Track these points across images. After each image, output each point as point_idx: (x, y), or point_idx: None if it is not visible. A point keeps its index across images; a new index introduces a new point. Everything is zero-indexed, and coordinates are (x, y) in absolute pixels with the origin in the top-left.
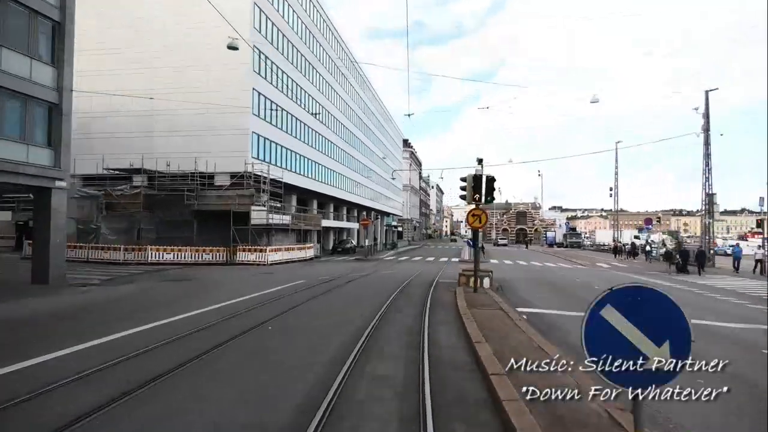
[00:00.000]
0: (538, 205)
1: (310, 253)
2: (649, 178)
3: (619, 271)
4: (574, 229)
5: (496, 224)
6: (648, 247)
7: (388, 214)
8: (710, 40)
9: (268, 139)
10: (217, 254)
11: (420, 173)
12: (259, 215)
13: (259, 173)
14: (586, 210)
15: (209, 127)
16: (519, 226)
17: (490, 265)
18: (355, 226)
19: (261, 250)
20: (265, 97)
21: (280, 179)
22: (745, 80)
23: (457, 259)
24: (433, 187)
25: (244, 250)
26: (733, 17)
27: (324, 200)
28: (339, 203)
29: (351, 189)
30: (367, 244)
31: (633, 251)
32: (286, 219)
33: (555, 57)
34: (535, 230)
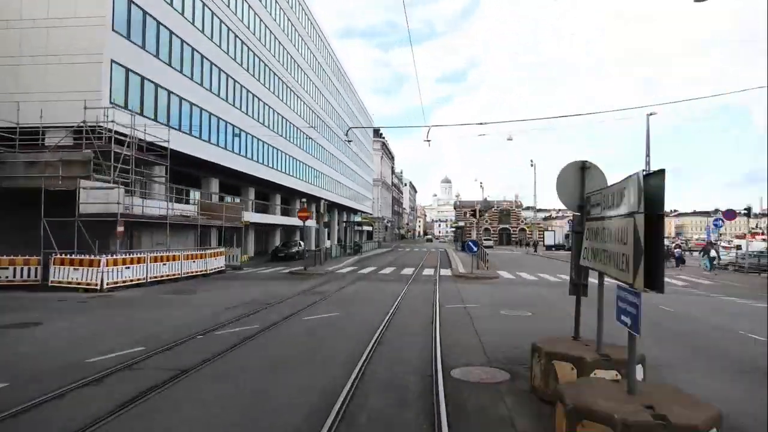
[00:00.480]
0: (519, 203)
1: (216, 262)
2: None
3: (731, 296)
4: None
5: (477, 223)
6: (713, 252)
7: (356, 212)
8: (671, 50)
9: (152, 81)
10: (27, 270)
11: (392, 168)
12: (101, 197)
13: (109, 123)
14: (560, 210)
15: (33, 51)
16: (502, 226)
17: (509, 285)
18: (310, 224)
19: (91, 263)
20: (143, 11)
21: (163, 142)
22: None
23: (448, 272)
24: (406, 185)
25: (63, 262)
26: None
27: (267, 190)
28: (289, 195)
29: (308, 178)
30: (320, 246)
31: (681, 258)
32: (188, 209)
33: (527, 60)
34: (520, 230)
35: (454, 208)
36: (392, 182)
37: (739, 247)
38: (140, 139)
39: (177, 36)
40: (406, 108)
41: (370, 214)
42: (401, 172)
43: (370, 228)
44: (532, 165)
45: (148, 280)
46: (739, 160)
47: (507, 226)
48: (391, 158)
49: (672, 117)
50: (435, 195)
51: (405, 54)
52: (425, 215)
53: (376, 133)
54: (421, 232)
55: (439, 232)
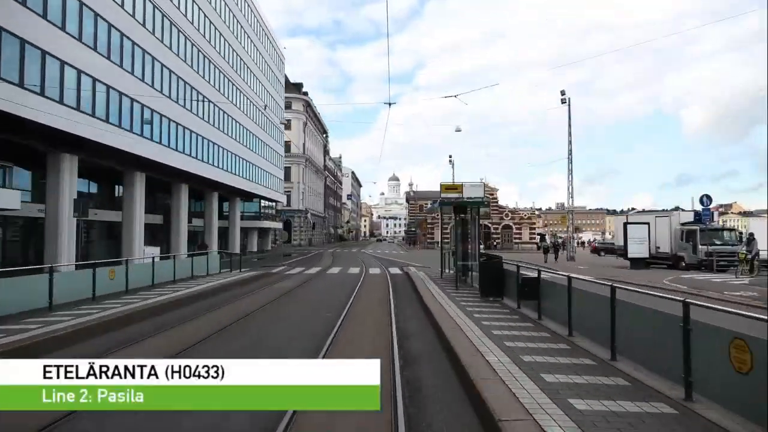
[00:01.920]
0: (494, 194)
1: None
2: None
3: None
4: (710, 216)
5: (442, 220)
6: None
7: (251, 197)
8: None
9: None
10: None
11: (326, 146)
12: None
13: None
14: (524, 208)
15: None
16: (481, 222)
17: None
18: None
19: None
20: None
21: None
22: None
23: None
24: (347, 175)
25: None
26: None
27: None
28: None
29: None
30: None
31: None
32: None
33: (472, 63)
34: (504, 227)
35: (407, 201)
36: (325, 164)
37: None
38: None
39: None
40: (354, 109)
41: (281, 204)
42: (340, 158)
43: (278, 225)
44: (564, 101)
45: None
46: (671, 162)
47: (486, 222)
48: (323, 132)
49: (608, 119)
50: (382, 193)
51: (351, 54)
52: (372, 214)
53: (296, 87)
54: (367, 233)
55: (387, 232)
